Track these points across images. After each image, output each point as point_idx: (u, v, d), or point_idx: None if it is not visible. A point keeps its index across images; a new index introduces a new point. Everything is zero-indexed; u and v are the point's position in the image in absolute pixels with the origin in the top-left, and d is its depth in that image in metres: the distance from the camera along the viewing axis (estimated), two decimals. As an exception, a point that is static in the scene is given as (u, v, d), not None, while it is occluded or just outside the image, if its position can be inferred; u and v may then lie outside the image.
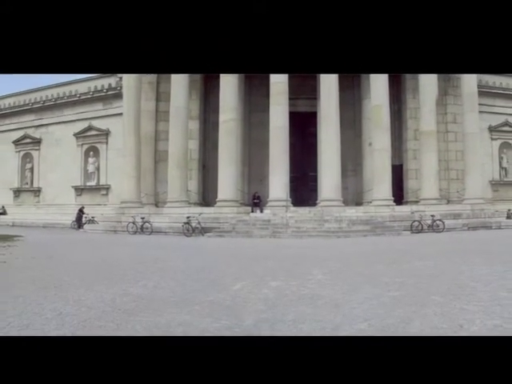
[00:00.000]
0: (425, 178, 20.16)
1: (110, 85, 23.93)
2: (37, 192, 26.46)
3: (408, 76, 21.84)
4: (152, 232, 17.47)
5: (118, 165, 21.99)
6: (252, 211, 18.93)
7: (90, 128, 24.51)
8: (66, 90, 25.35)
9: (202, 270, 7.18)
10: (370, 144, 20.47)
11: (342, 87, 19.52)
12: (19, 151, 27.21)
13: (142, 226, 17.85)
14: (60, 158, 25.31)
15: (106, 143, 24.13)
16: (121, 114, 21.77)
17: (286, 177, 18.58)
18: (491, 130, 23.84)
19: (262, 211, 18.75)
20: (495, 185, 23.76)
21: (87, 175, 24.58)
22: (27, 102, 26.79)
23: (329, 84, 18.76)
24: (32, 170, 26.77)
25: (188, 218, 16.96)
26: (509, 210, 21.59)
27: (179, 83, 19.89)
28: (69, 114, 25.38)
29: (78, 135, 24.83)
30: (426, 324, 3.63)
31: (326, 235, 15.56)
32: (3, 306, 4.39)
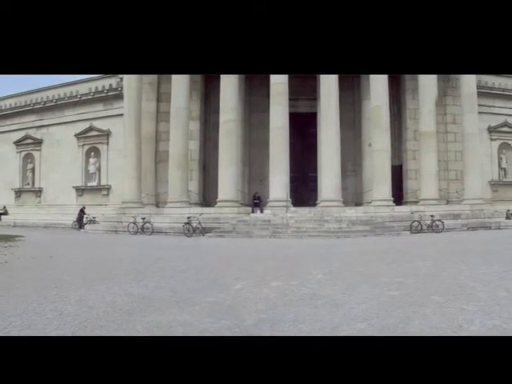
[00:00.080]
0: (424, 179, 20.18)
1: (110, 85, 23.96)
2: (38, 192, 26.50)
3: (408, 77, 21.86)
4: (153, 232, 17.49)
5: (119, 165, 22.02)
6: (252, 211, 18.97)
7: (90, 129, 24.55)
8: (67, 90, 25.39)
9: (203, 270, 7.19)
10: (370, 144, 20.48)
11: (342, 88, 19.54)
12: (20, 152, 27.26)
13: (142, 226, 17.87)
14: (61, 159, 25.36)
15: (107, 144, 24.16)
16: (121, 115, 21.80)
17: (286, 177, 18.60)
18: (490, 130, 23.86)
19: (262, 211, 18.78)
20: (494, 185, 23.77)
21: (88, 176, 24.61)
22: (28, 102, 26.84)
23: (329, 85, 18.78)
24: (33, 170, 26.82)
25: (189, 218, 16.99)
26: (508, 211, 21.58)
27: (180, 84, 19.92)
28: (70, 114, 25.43)
29: (78, 136, 24.87)
30: (425, 324, 3.63)
31: (326, 235, 15.58)
32: (4, 306, 4.40)
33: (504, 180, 24.07)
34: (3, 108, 28.06)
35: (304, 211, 18.14)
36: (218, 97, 19.79)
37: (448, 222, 17.61)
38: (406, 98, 22.12)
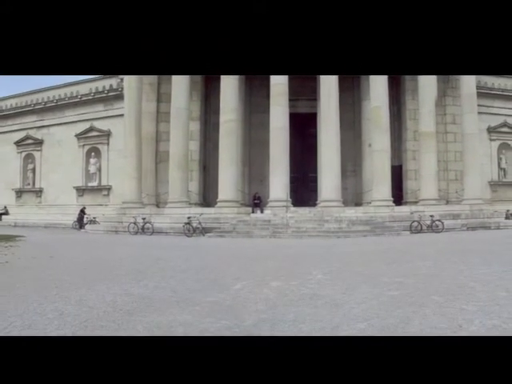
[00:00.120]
0: (424, 179, 20.19)
1: (111, 86, 23.98)
2: (38, 192, 26.52)
3: (407, 77, 21.88)
4: (153, 232, 17.49)
5: (119, 165, 22.04)
6: (252, 211, 18.99)
7: (91, 129, 24.57)
8: (68, 91, 25.43)
9: (203, 270, 7.19)
10: (370, 145, 20.49)
11: (342, 88, 19.56)
12: (21, 152, 27.29)
13: (143, 226, 17.88)
14: (61, 159, 25.39)
15: (107, 144, 24.18)
16: (122, 115, 21.82)
17: (287, 177, 18.61)
18: (490, 130, 23.87)
19: (262, 211, 18.80)
20: (494, 185, 23.79)
21: (88, 176, 24.63)
22: (29, 103, 26.88)
23: (329, 85, 18.79)
24: (34, 170, 26.85)
25: (189, 218, 17.00)
26: (507, 211, 21.59)
27: (180, 84, 19.94)
28: (70, 115, 25.46)
29: (79, 136, 24.89)
30: (425, 324, 3.64)
31: (326, 235, 15.59)
32: (5, 306, 4.41)
33: (503, 180, 24.08)
34: (4, 108, 28.11)
35: (304, 211, 18.15)
36: (218, 97, 19.81)
37: (448, 222, 17.62)
38: (405, 98, 22.13)
